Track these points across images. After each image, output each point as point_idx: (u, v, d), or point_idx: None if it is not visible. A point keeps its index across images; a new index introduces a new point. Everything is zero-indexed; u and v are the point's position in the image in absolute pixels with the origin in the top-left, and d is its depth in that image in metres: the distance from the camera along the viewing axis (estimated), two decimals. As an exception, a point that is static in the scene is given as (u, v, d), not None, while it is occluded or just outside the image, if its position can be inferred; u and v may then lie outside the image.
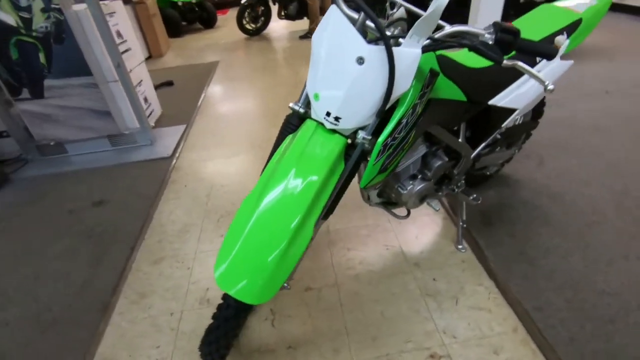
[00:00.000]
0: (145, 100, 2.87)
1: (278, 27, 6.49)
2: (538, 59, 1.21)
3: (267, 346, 1.26)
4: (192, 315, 1.40)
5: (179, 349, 1.27)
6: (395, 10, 0.92)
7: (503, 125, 1.29)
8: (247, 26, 5.75)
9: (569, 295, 1.30)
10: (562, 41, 1.17)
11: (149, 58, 5.17)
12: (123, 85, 2.39)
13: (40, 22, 2.08)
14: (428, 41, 0.79)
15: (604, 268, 1.38)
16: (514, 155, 1.81)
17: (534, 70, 0.78)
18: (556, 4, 1.36)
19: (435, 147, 1.23)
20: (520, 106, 1.25)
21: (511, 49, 0.76)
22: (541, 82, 0.77)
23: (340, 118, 0.82)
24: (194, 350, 1.26)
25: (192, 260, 1.64)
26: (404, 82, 0.78)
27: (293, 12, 5.40)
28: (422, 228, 1.67)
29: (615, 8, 5.14)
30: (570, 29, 1.25)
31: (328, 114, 0.83)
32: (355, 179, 1.07)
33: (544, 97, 1.62)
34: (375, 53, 0.75)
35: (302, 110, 0.94)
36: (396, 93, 0.80)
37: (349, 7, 0.82)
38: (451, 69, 1.00)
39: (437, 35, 0.80)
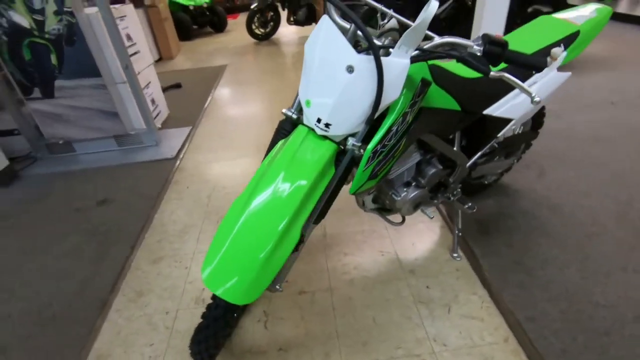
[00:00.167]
0: (153, 101, 2.93)
1: (287, 32, 6.56)
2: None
3: (258, 347, 1.27)
4: (187, 314, 1.42)
5: (172, 347, 1.29)
6: (386, 21, 0.94)
7: (499, 135, 1.30)
8: (256, 31, 5.83)
9: (564, 306, 1.29)
10: (559, 53, 1.17)
11: (159, 60, 5.27)
12: (131, 86, 2.45)
13: (52, 25, 2.15)
14: (417, 52, 0.80)
15: (601, 280, 1.37)
16: (513, 165, 1.81)
17: (520, 82, 0.79)
18: (555, 15, 1.37)
19: (430, 155, 1.24)
20: (516, 116, 1.25)
21: (500, 60, 0.78)
22: (528, 93, 0.78)
23: (330, 125, 0.84)
24: (186, 349, 1.28)
25: (190, 260, 1.66)
26: (393, 91, 0.80)
27: (302, 17, 5.46)
28: (419, 235, 1.68)
29: (620, 18, 5.11)
30: (567, 41, 1.25)
31: (319, 120, 0.85)
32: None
33: (544, 108, 1.62)
34: (365, 62, 0.77)
35: (294, 116, 0.96)
36: (385, 101, 0.81)
37: (341, 17, 0.84)
38: (444, 78, 1.01)
39: (426, 46, 0.81)
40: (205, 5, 6.46)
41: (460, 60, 0.77)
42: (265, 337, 1.30)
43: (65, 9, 2.11)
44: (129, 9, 2.63)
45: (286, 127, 0.97)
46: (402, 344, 1.24)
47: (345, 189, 1.02)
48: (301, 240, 1.06)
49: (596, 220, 1.63)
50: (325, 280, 1.50)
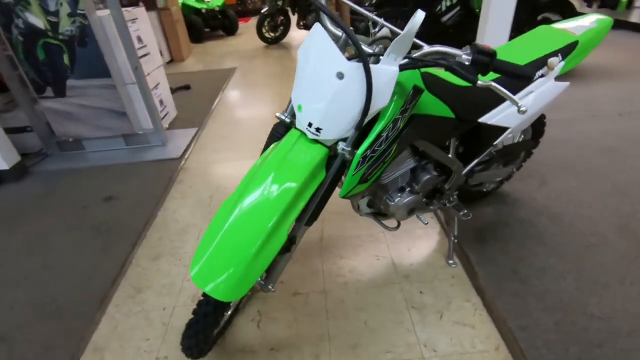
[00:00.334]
0: (161, 102, 2.99)
1: (297, 36, 6.63)
2: (531, 78, 1.22)
3: (250, 347, 1.29)
4: (184, 311, 1.44)
5: (167, 343, 1.32)
6: (377, 29, 0.96)
7: (495, 143, 1.30)
8: (266, 35, 5.91)
9: (558, 316, 1.28)
10: (556, 63, 1.18)
11: (170, 62, 5.37)
12: (139, 87, 2.51)
13: (66, 26, 2.22)
14: (407, 60, 0.82)
15: (598, 291, 1.35)
16: (512, 174, 1.80)
17: (507, 92, 0.80)
18: (554, 25, 1.37)
19: (425, 161, 1.25)
20: (512, 125, 1.26)
21: (488, 69, 0.79)
22: (515, 103, 0.79)
23: (321, 129, 0.86)
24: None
25: (189, 258, 1.70)
26: (382, 97, 0.82)
27: (311, 22, 5.51)
28: (415, 241, 1.68)
29: (630, 27, 5.03)
30: (565, 51, 1.26)
31: (310, 124, 0.87)
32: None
33: (544, 117, 1.62)
34: (354, 69, 0.79)
35: (287, 120, 0.98)
36: (374, 108, 0.83)
37: (333, 25, 0.86)
38: (437, 86, 1.02)
39: (416, 54, 0.83)
40: (217, 8, 6.58)
41: (448, 68, 0.79)
42: (258, 337, 1.32)
43: (78, 11, 2.18)
44: (140, 11, 2.70)
45: (279, 130, 1.00)
46: (392, 348, 1.24)
47: (339, 192, 1.04)
48: (293, 242, 1.09)
49: (596, 231, 1.61)
50: (320, 283, 1.52)
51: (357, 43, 0.77)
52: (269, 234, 0.82)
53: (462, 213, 1.42)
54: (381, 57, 0.82)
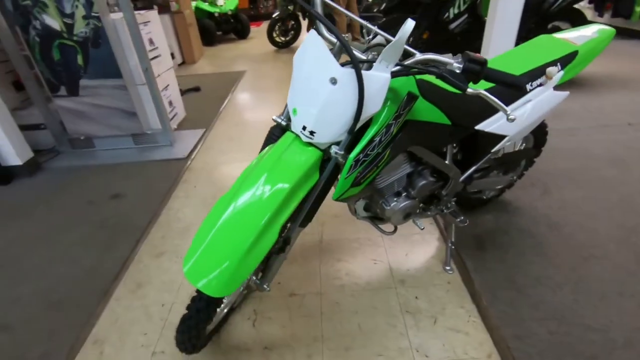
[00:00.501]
0: (170, 103, 3.06)
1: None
2: (528, 86, 1.23)
3: (245, 345, 1.31)
4: (182, 308, 1.47)
5: (164, 338, 1.35)
6: (371, 36, 0.98)
7: (492, 151, 1.31)
8: (277, 39, 5.98)
9: (552, 327, 1.28)
10: (554, 72, 1.18)
11: (182, 64, 5.48)
12: (149, 88, 2.58)
13: (80, 28, 2.30)
14: (398, 67, 0.84)
15: (594, 303, 1.34)
16: (514, 182, 1.79)
17: (495, 99, 0.81)
18: (555, 35, 1.37)
19: (422, 167, 1.26)
20: (509, 133, 1.26)
21: (479, 78, 0.80)
22: (504, 110, 0.80)
23: (314, 132, 0.89)
24: (177, 340, 1.33)
25: (189, 256, 1.73)
26: (374, 103, 0.84)
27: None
28: (413, 246, 1.69)
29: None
30: (565, 61, 1.26)
31: (304, 127, 0.90)
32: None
33: (546, 126, 1.62)
34: (347, 75, 0.81)
35: (284, 123, 1.01)
36: (366, 113, 0.85)
37: (328, 32, 0.89)
38: (433, 93, 1.04)
39: (408, 62, 0.85)
40: (230, 12, 6.69)
41: (439, 76, 0.80)
42: (252, 335, 1.34)
43: (92, 14, 2.26)
44: (153, 15, 2.78)
45: (276, 133, 1.03)
46: (384, 351, 1.25)
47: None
48: (287, 242, 1.11)
49: (597, 243, 1.60)
50: (316, 284, 1.53)
51: (349, 50, 0.79)
52: (260, 232, 0.85)
53: (459, 219, 1.42)
54: (374, 64, 0.84)
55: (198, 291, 1.00)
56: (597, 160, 2.21)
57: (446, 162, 1.27)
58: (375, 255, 1.65)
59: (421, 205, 1.45)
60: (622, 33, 5.09)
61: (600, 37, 1.33)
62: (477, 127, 1.19)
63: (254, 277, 1.19)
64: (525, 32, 2.94)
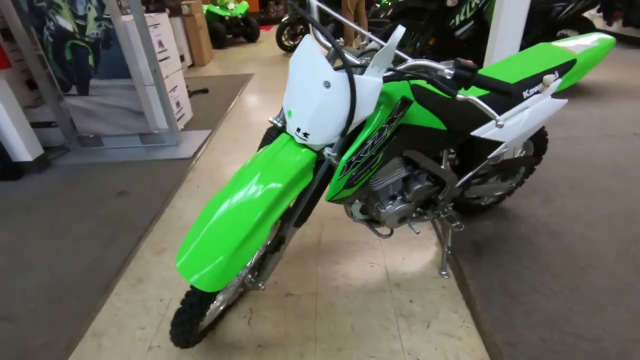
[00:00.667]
0: (178, 104, 3.12)
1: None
2: (525, 94, 1.24)
3: (239, 342, 1.33)
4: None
5: (161, 332, 1.38)
6: (365, 41, 1.01)
7: (490, 157, 1.32)
8: (286, 43, 6.04)
9: (545, 334, 1.27)
10: (551, 80, 1.20)
11: (192, 66, 5.57)
12: (157, 89, 2.63)
13: (92, 29, 2.37)
14: (390, 72, 0.86)
15: (589, 312, 1.34)
16: (513, 189, 1.80)
17: (484, 105, 0.83)
18: (555, 43, 1.38)
19: (418, 171, 1.28)
20: (506, 139, 1.27)
21: (469, 84, 0.82)
22: (492, 116, 0.82)
23: (308, 134, 0.91)
24: (173, 335, 1.36)
25: (189, 254, 1.76)
26: (366, 106, 0.86)
27: (330, 32, 5.61)
28: (411, 250, 1.70)
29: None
30: (563, 69, 1.27)
31: (298, 129, 0.92)
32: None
33: (546, 134, 1.62)
34: (340, 79, 0.84)
35: (279, 124, 1.04)
36: (359, 116, 0.87)
37: (324, 37, 0.92)
38: (428, 98, 1.06)
39: (400, 67, 0.87)
40: (240, 16, 6.78)
41: (430, 81, 0.82)
42: (247, 333, 1.36)
43: (104, 16, 2.33)
44: (163, 17, 2.84)
45: (272, 134, 1.05)
46: (376, 353, 1.26)
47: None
48: (282, 242, 1.13)
49: (595, 253, 1.59)
50: (312, 285, 1.55)
51: (342, 54, 0.81)
52: (252, 230, 0.87)
53: (455, 224, 1.43)
54: (367, 69, 0.86)
55: (192, 287, 1.02)
56: (601, 170, 2.20)
57: (442, 167, 1.28)
58: (373, 258, 1.66)
59: (418, 209, 1.46)
60: (633, 42, 5.04)
61: (600, 46, 1.34)
62: (473, 133, 1.20)
63: (250, 276, 1.21)
64: (533, 40, 2.93)
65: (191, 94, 3.96)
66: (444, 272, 1.55)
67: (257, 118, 3.47)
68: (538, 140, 1.62)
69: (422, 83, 1.06)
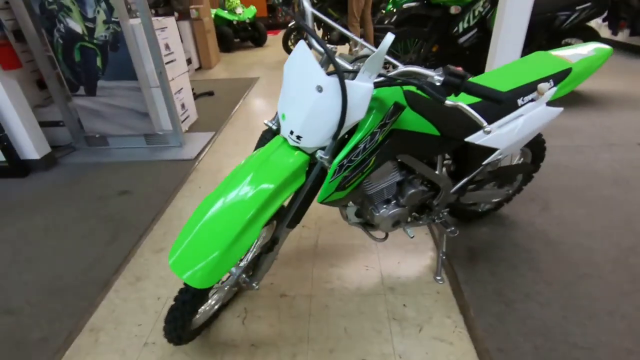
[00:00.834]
0: (183, 106, 3.17)
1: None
2: (520, 101, 1.25)
3: (232, 341, 1.35)
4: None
5: (157, 329, 1.40)
6: (357, 48, 1.03)
7: (484, 164, 1.33)
8: (292, 47, 6.09)
9: (538, 342, 1.27)
10: (546, 88, 1.21)
11: (199, 69, 5.64)
12: (162, 91, 2.68)
13: (101, 32, 2.43)
14: (382, 78, 0.88)
15: (583, 321, 1.33)
16: (511, 197, 1.80)
17: (472, 111, 0.84)
18: (551, 52, 1.39)
19: (412, 176, 1.29)
20: (501, 146, 1.28)
21: (458, 90, 0.84)
22: (480, 122, 0.83)
23: (301, 137, 0.93)
24: (168, 333, 1.38)
25: (188, 253, 1.78)
26: (357, 111, 0.88)
27: (336, 37, 5.65)
28: (406, 255, 1.70)
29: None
30: (558, 77, 1.28)
31: (292, 132, 0.94)
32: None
33: (544, 142, 1.62)
34: (332, 84, 0.86)
35: (274, 127, 1.06)
36: (350, 120, 0.89)
37: (318, 43, 0.94)
38: (421, 104, 1.07)
39: (391, 73, 0.89)
40: (248, 21, 6.87)
41: (419, 88, 0.84)
42: (241, 332, 1.38)
43: (113, 19, 2.38)
44: (170, 21, 2.90)
45: (267, 137, 1.08)
46: (367, 355, 1.27)
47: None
48: (275, 242, 1.15)
49: (592, 262, 1.58)
50: (307, 287, 1.56)
51: (334, 60, 0.84)
52: (243, 228, 0.89)
53: (449, 230, 1.44)
54: (358, 74, 0.88)
55: (185, 284, 1.04)
56: (602, 179, 2.19)
57: (436, 172, 1.29)
58: (368, 262, 1.68)
59: (413, 214, 1.47)
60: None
61: (596, 55, 1.35)
62: (466, 139, 1.21)
63: (244, 276, 1.23)
64: (537, 49, 2.94)
65: (197, 96, 4.02)
66: (438, 277, 1.55)
67: (260, 121, 3.50)
68: (535, 148, 1.63)
69: (415, 89, 1.08)
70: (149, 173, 2.56)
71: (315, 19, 1.01)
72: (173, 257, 0.90)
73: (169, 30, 2.90)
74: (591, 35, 3.15)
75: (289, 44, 6.05)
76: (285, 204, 1.07)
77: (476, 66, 3.18)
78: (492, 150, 1.30)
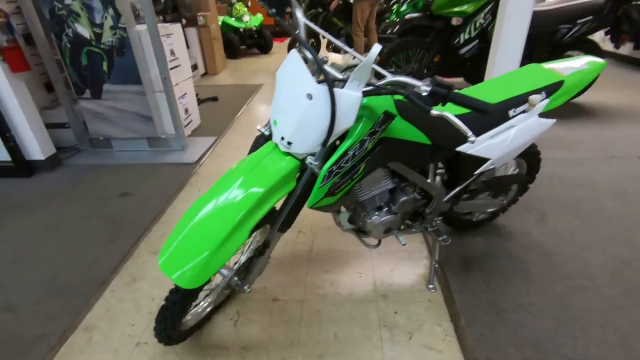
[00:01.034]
0: (186, 111, 3.22)
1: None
2: (511, 113, 1.26)
3: (224, 343, 1.36)
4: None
5: (150, 329, 1.42)
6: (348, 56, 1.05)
7: (476, 173, 1.34)
8: (297, 55, 6.17)
9: (528, 353, 1.27)
10: (537, 100, 1.23)
11: (204, 74, 5.72)
12: (166, 95, 2.73)
13: (108, 37, 2.49)
14: (370, 87, 0.91)
15: (575, 333, 1.33)
16: (506, 207, 1.80)
17: (458, 121, 0.86)
18: (544, 64, 1.41)
19: (404, 183, 1.31)
20: (493, 156, 1.29)
21: (445, 101, 0.86)
22: (464, 132, 0.85)
23: (291, 143, 0.96)
24: (161, 333, 1.39)
25: (184, 256, 1.81)
26: (346, 119, 0.90)
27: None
28: (400, 262, 1.71)
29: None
30: (550, 89, 1.29)
31: (283, 138, 0.97)
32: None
33: (539, 153, 1.63)
34: (322, 91, 0.89)
35: (267, 133, 1.09)
36: (339, 128, 0.91)
37: (309, 52, 0.97)
38: (411, 113, 1.09)
39: (379, 82, 0.91)
40: (254, 28, 6.97)
41: (406, 97, 0.86)
42: (232, 335, 1.39)
43: (119, 25, 2.45)
44: (176, 27, 2.96)
45: (260, 142, 1.10)
46: (356, 362, 1.27)
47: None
48: (267, 246, 1.17)
49: (586, 274, 1.58)
50: (300, 292, 1.57)
51: (323, 68, 0.87)
52: (232, 230, 0.91)
53: (441, 238, 1.45)
54: (347, 83, 0.91)
55: (176, 284, 1.06)
56: (600, 192, 2.18)
57: (428, 180, 1.30)
58: (362, 269, 1.68)
59: (407, 222, 1.48)
60: (645, 66, 5.00)
61: (589, 69, 1.36)
62: (458, 149, 1.23)
63: (236, 278, 1.25)
64: (538, 61, 2.96)
65: (201, 101, 4.08)
66: (431, 286, 1.56)
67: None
68: (531, 159, 1.63)
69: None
70: (150, 175, 2.60)
71: (308, 29, 1.04)
72: (163, 257, 0.92)
73: (175, 37, 2.96)
74: (592, 48, 3.16)
75: (294, 51, 6.12)
76: (277, 207, 1.09)
77: (477, 76, 3.21)
78: (484, 160, 1.31)
